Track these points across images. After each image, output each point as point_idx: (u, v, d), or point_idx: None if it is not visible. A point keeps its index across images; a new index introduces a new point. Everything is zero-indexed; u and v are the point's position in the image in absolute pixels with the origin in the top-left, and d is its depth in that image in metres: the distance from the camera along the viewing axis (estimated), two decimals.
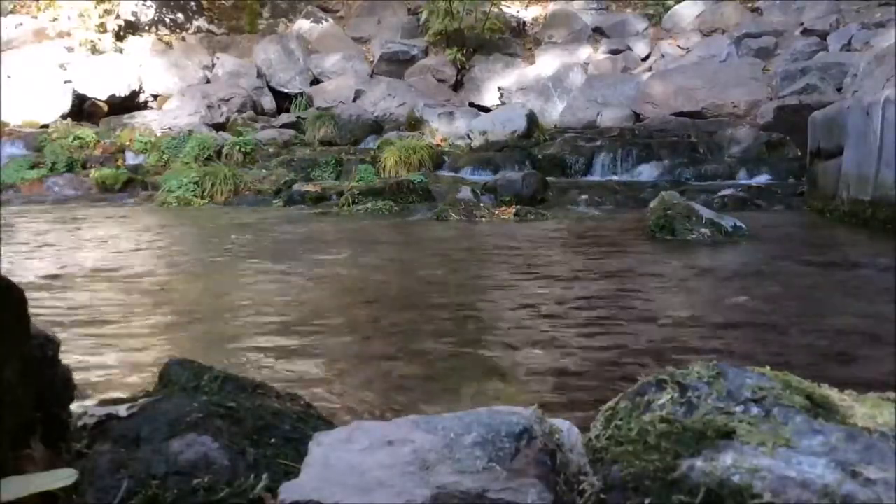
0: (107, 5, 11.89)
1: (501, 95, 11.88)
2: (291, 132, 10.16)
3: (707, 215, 4.59)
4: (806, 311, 2.86)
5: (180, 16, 13.13)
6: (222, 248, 4.61)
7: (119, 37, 12.03)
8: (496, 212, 6.14)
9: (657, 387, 0.86)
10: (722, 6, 12.25)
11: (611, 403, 0.89)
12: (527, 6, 13.88)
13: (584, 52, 12.38)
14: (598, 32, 13.02)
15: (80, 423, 0.97)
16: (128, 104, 11.24)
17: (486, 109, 11.17)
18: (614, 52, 12.27)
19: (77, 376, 1.06)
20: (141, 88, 11.55)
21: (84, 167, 8.80)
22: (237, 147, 9.00)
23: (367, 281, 3.58)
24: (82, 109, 11.12)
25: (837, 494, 0.68)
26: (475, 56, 12.44)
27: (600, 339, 2.43)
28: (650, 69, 11.50)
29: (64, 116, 10.71)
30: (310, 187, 7.41)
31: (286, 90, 11.94)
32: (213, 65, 12.22)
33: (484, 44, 12.43)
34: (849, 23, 10.66)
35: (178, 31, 12.94)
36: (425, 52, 12.68)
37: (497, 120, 9.63)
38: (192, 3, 13.33)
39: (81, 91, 11.04)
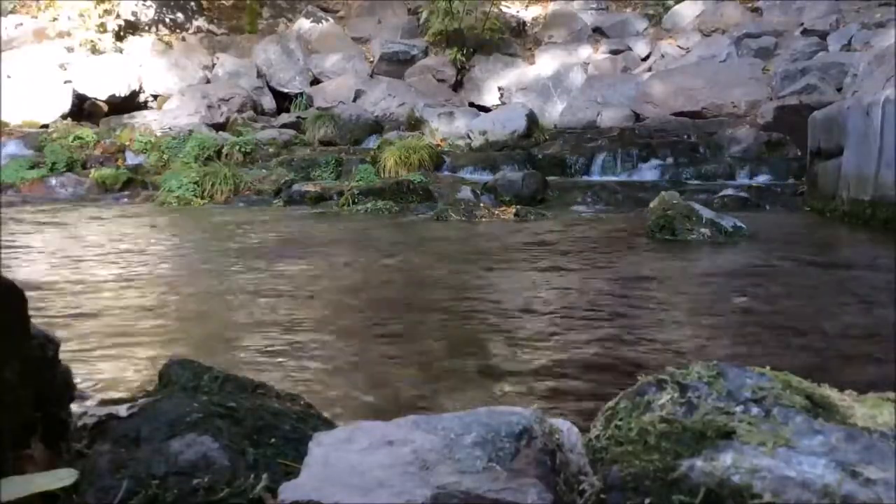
0: (107, 5, 11.87)
1: (501, 95, 11.87)
2: (291, 132, 10.15)
3: (707, 215, 4.59)
4: (806, 311, 2.86)
5: (180, 16, 13.12)
6: (221, 248, 4.61)
7: (119, 37, 12.02)
8: (496, 212, 6.14)
9: (657, 387, 0.86)
10: (722, 6, 12.24)
11: (611, 403, 0.89)
12: (527, 6, 13.87)
13: (584, 52, 12.38)
14: (598, 32, 13.01)
15: (80, 423, 0.97)
16: (128, 104, 11.22)
17: (486, 109, 11.16)
18: (614, 52, 12.26)
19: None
20: (141, 88, 11.54)
21: (84, 167, 8.80)
22: (237, 147, 8.99)
23: (367, 280, 3.58)
24: (82, 109, 11.11)
25: (837, 494, 0.68)
26: (475, 56, 12.43)
27: (600, 339, 2.43)
28: (650, 69, 11.49)
29: (64, 116, 10.69)
30: (310, 187, 7.42)
31: (286, 90, 11.93)
32: (213, 65, 12.21)
33: (484, 44, 12.42)
34: (849, 23, 10.66)
35: (178, 31, 12.93)
36: (425, 52, 12.67)
37: (497, 120, 9.63)
38: (192, 3, 13.32)
39: (81, 91, 11.03)
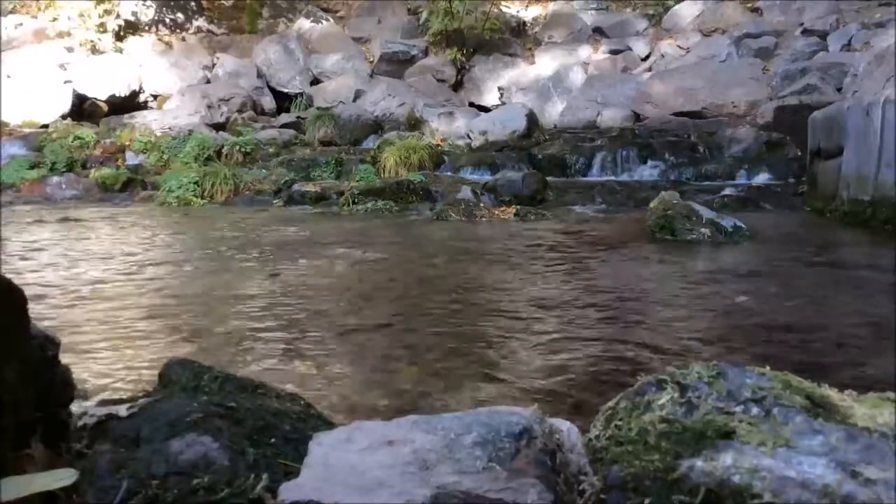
0: (107, 5, 11.88)
1: (501, 95, 11.87)
2: (291, 132, 10.15)
3: (707, 215, 4.59)
4: (806, 311, 2.86)
5: (180, 16, 13.12)
6: (222, 248, 4.61)
7: (119, 37, 12.02)
8: (496, 212, 6.14)
9: (657, 387, 0.86)
10: (722, 6, 12.24)
11: (611, 403, 0.89)
12: (527, 6, 13.87)
13: (584, 52, 12.38)
14: (598, 32, 13.01)
15: (80, 423, 0.97)
16: (128, 104, 11.22)
17: (486, 109, 11.16)
18: (614, 52, 12.27)
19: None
20: (141, 88, 11.54)
21: (84, 167, 8.79)
22: (237, 147, 8.99)
23: (367, 280, 3.58)
24: (82, 109, 11.11)
25: (837, 494, 0.68)
26: (475, 56, 12.43)
27: (600, 338, 2.43)
28: (650, 69, 11.50)
29: (64, 116, 10.69)
30: (310, 187, 7.41)
31: (286, 90, 11.93)
32: (213, 65, 12.21)
33: (484, 44, 12.42)
34: (849, 23, 10.66)
35: (178, 31, 12.93)
36: (425, 52, 12.67)
37: (497, 120, 9.62)
38: (192, 3, 13.32)
39: (81, 91, 11.03)
